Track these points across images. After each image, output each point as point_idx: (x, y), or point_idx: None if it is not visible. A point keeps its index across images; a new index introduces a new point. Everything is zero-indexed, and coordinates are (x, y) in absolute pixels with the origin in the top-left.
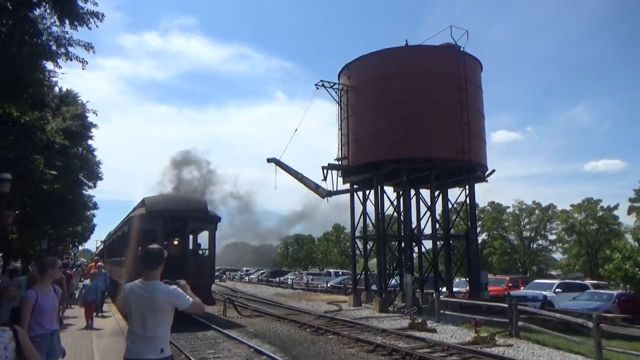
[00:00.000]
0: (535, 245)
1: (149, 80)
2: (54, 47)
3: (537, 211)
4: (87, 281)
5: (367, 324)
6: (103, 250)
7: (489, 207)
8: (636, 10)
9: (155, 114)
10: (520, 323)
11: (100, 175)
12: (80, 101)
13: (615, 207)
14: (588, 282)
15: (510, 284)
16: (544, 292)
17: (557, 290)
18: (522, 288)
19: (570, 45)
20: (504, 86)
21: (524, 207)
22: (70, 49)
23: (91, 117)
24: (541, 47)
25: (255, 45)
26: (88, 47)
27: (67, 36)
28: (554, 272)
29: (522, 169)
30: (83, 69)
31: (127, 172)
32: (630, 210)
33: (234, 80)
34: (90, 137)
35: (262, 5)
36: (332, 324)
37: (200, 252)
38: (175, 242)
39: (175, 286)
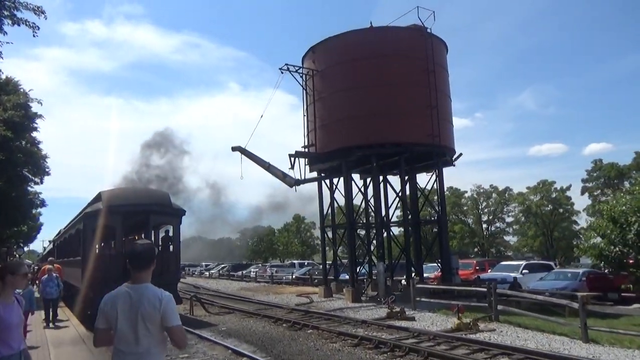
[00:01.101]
0: (493, 228)
1: (94, 70)
2: None
3: (494, 195)
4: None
5: (344, 315)
6: (52, 250)
7: (447, 192)
8: None
9: (102, 106)
10: (499, 307)
11: (47, 170)
12: (22, 90)
13: (568, 188)
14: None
15: (477, 267)
16: (512, 274)
17: (524, 271)
18: (489, 271)
19: (515, 32)
20: (453, 73)
21: (481, 191)
22: (16, 13)
23: (35, 107)
24: (488, 34)
25: (206, 34)
26: (38, 11)
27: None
28: (510, 254)
29: (473, 154)
30: (34, 35)
31: (74, 168)
32: (583, 191)
33: (185, 71)
34: (35, 129)
35: None
36: (308, 317)
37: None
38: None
39: (170, 295)
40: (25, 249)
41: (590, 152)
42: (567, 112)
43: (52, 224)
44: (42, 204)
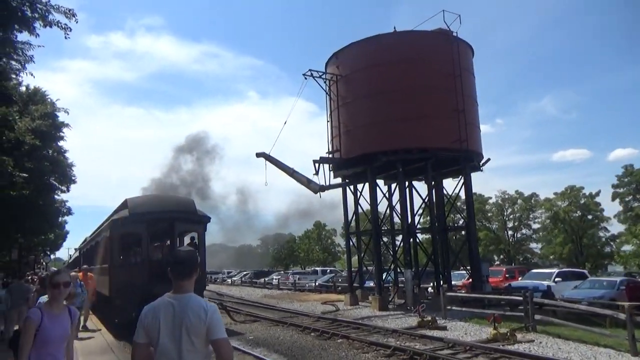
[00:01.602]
0: (519, 235)
1: (116, 81)
2: (27, 12)
3: (519, 201)
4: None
5: (372, 324)
6: (79, 258)
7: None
8: (599, 3)
9: (124, 116)
10: (537, 317)
11: (73, 178)
12: (49, 99)
13: (597, 193)
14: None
15: (507, 275)
16: (544, 282)
17: (556, 279)
18: (519, 278)
19: (534, 38)
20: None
21: (506, 197)
22: (48, 15)
23: (62, 117)
24: (506, 40)
25: (224, 43)
26: (69, 14)
27: (43, 1)
28: (535, 261)
29: (494, 160)
30: (66, 37)
31: (96, 177)
32: (613, 197)
33: (204, 80)
34: (62, 138)
35: (230, 2)
36: (335, 326)
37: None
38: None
39: (215, 305)
40: (52, 256)
41: (616, 157)
42: (589, 117)
43: (75, 232)
44: (69, 212)
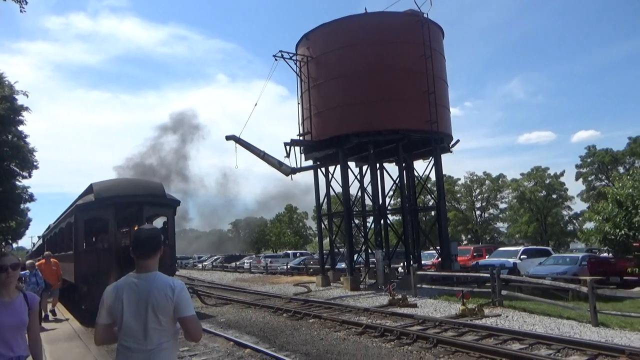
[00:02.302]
0: (486, 215)
1: (79, 64)
2: None
3: (487, 181)
4: None
5: (344, 303)
6: (42, 246)
7: None
8: None
9: (89, 101)
10: (503, 292)
11: (35, 163)
12: (7, 82)
13: (562, 173)
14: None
15: (475, 254)
16: (510, 260)
17: (522, 257)
18: (486, 257)
19: (505, 20)
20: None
21: (475, 178)
22: None
23: (21, 100)
24: (476, 24)
25: (193, 26)
26: None
27: None
28: (502, 240)
29: (463, 142)
30: (21, 10)
31: (61, 163)
32: (577, 176)
33: (172, 64)
34: (21, 122)
35: None
36: (307, 306)
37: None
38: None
39: (183, 283)
40: (14, 245)
41: (579, 139)
42: (556, 100)
43: (39, 220)
44: (31, 198)
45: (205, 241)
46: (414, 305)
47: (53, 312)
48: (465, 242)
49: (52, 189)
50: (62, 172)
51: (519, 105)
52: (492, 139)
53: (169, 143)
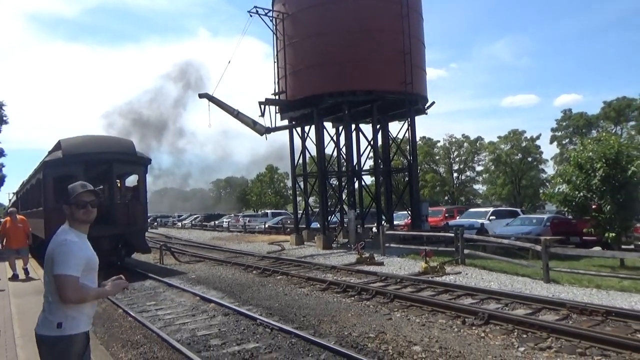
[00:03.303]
0: (463, 177)
1: (55, 15)
2: None
3: (465, 144)
4: None
5: (314, 261)
6: (16, 202)
7: (420, 142)
8: None
9: (67, 54)
10: (466, 251)
11: (4, 118)
12: None
13: (538, 137)
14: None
15: (446, 215)
16: (479, 220)
17: (491, 217)
18: (457, 218)
19: None
20: (428, 23)
21: (453, 140)
22: None
23: None
24: None
25: None
26: None
27: None
28: (479, 202)
29: (448, 104)
30: None
31: (39, 118)
32: (552, 139)
33: (152, 16)
34: None
35: None
36: (278, 264)
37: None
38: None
39: (67, 239)
40: None
41: (561, 103)
42: (541, 63)
43: (17, 176)
44: (1, 153)
45: (170, 198)
46: (381, 264)
47: (26, 271)
48: (442, 204)
49: (29, 144)
50: (40, 128)
51: (504, 67)
52: (476, 101)
53: (169, 94)
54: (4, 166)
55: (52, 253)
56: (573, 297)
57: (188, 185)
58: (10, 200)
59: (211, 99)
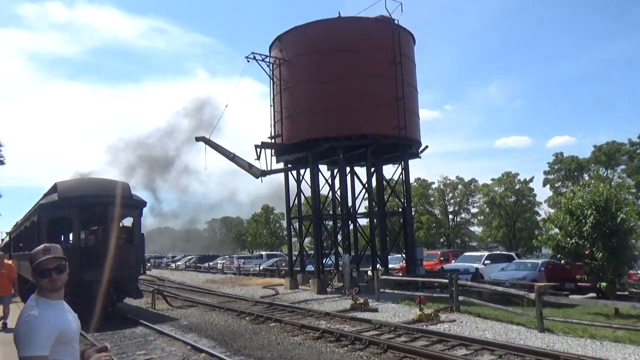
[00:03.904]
0: (458, 219)
1: (55, 55)
2: None
3: (460, 186)
4: None
5: (308, 307)
6: (9, 243)
7: (415, 184)
8: None
9: (65, 92)
10: (460, 297)
11: (1, 159)
12: None
13: (531, 179)
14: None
15: (442, 258)
16: (474, 265)
17: (486, 262)
18: (453, 261)
19: (483, 26)
20: (424, 66)
21: (448, 182)
22: None
23: None
24: (456, 28)
25: (174, 18)
26: None
27: None
28: (474, 244)
29: (443, 145)
30: None
31: (37, 156)
32: (544, 182)
33: (151, 56)
34: None
35: None
36: (272, 310)
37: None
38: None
39: (30, 314)
40: None
41: (554, 144)
42: (532, 105)
43: (12, 215)
44: None
45: (170, 238)
46: (375, 310)
47: (4, 325)
48: (438, 246)
49: (26, 182)
50: (38, 166)
51: (497, 109)
52: (471, 142)
53: (181, 130)
54: None
55: (17, 332)
56: (567, 348)
57: (199, 221)
58: (2, 239)
59: (208, 142)
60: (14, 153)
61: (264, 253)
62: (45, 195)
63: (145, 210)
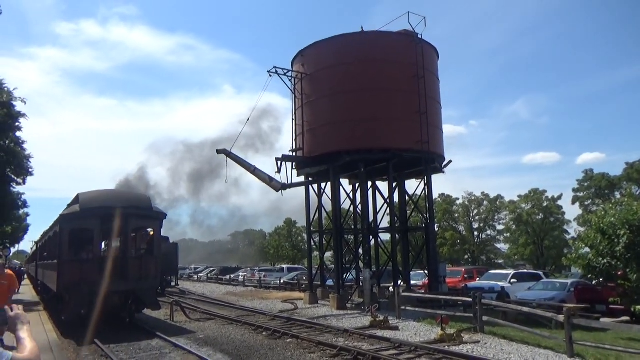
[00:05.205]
0: (483, 236)
1: (87, 71)
2: None
3: (485, 202)
4: None
5: (326, 323)
6: (36, 252)
7: (439, 199)
8: (571, 9)
9: (95, 107)
10: (485, 318)
11: (30, 170)
12: (5, 88)
13: (560, 197)
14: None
15: (465, 275)
16: (499, 283)
17: (512, 280)
18: (477, 279)
19: (509, 41)
20: (448, 81)
21: (473, 198)
22: None
23: (19, 107)
24: (481, 43)
25: (201, 35)
26: None
27: None
28: (501, 262)
29: (468, 161)
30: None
31: (66, 168)
32: (574, 200)
33: (179, 73)
34: (19, 128)
35: None
36: (289, 325)
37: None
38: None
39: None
40: (13, 249)
41: (583, 161)
42: (561, 121)
43: (42, 224)
44: (24, 205)
45: (195, 250)
46: (395, 328)
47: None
48: (463, 263)
49: (57, 193)
50: (67, 178)
51: (524, 125)
52: (496, 158)
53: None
54: (28, 215)
55: None
56: None
57: (238, 231)
58: (31, 249)
59: (229, 154)
60: (44, 165)
61: (285, 266)
62: (69, 206)
63: (185, 220)
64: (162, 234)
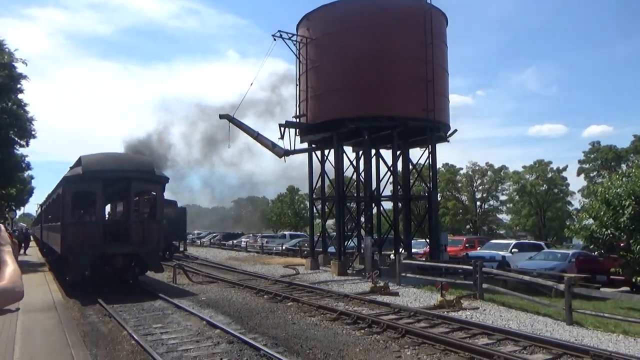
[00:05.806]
0: (486, 206)
1: (90, 34)
2: None
3: (489, 172)
4: None
5: (327, 288)
6: (41, 214)
7: (442, 169)
8: None
9: (98, 71)
10: (485, 285)
11: (33, 132)
12: (6, 49)
13: (564, 168)
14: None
15: (467, 245)
16: (500, 253)
17: (513, 250)
18: (478, 248)
19: (519, 9)
20: (456, 51)
21: (477, 168)
22: None
23: (20, 68)
24: (490, 12)
25: None
26: None
27: None
28: (502, 232)
29: (474, 131)
30: None
31: (67, 132)
32: (579, 172)
33: (183, 37)
34: (20, 91)
35: None
36: (290, 289)
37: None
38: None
39: None
40: (18, 212)
41: (590, 134)
42: (569, 93)
43: (46, 188)
44: (28, 167)
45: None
46: (395, 294)
47: None
48: (464, 233)
49: (59, 157)
50: (70, 141)
51: (532, 96)
52: (503, 129)
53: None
54: (32, 178)
55: None
56: (597, 344)
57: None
58: (36, 211)
59: (232, 120)
60: (47, 128)
61: (287, 233)
62: (71, 168)
63: (197, 185)
64: (171, 198)
